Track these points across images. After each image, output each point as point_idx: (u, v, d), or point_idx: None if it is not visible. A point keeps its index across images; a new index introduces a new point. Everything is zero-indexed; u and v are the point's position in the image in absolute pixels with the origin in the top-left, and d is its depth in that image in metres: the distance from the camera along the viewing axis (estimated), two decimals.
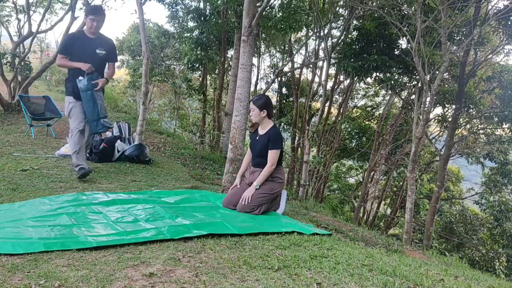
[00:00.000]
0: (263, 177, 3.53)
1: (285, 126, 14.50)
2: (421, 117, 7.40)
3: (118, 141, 5.74)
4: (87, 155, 5.07)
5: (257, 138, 3.68)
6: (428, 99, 7.66)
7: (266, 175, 3.53)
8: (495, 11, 8.12)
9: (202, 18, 10.59)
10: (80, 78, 4.21)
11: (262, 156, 3.59)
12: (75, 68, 4.26)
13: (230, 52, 12.06)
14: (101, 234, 2.61)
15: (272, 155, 3.52)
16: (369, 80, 11.74)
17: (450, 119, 10.57)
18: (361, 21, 10.13)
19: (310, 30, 12.19)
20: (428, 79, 7.83)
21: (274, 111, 14.18)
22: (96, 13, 4.28)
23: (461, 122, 11.51)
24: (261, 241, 2.67)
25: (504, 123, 10.34)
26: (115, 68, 4.81)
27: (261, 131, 3.68)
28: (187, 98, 15.97)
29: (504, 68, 10.10)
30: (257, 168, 3.64)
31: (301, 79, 15.00)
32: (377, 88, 15.13)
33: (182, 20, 12.32)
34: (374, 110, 16.81)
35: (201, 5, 11.48)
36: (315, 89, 14.48)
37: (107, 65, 4.65)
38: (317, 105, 15.10)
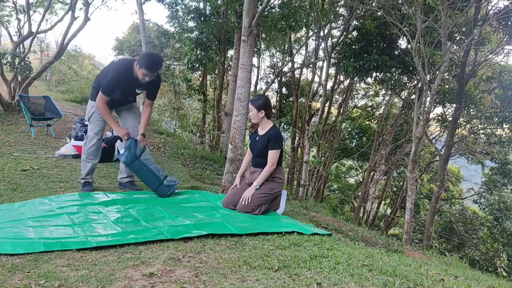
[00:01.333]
0: (263, 177, 3.53)
1: (285, 126, 14.49)
2: (421, 117, 7.40)
3: (118, 141, 5.72)
4: None
5: (257, 138, 3.69)
6: (428, 99, 7.66)
7: (266, 175, 3.53)
8: (495, 11, 8.13)
9: (202, 18, 10.59)
10: (118, 146, 3.69)
11: (262, 156, 3.59)
12: (111, 123, 3.79)
13: (230, 52, 12.06)
14: (101, 234, 2.62)
15: (272, 155, 3.52)
16: (369, 80, 11.74)
17: (450, 119, 10.58)
18: (361, 21, 10.13)
19: (310, 30, 12.19)
20: (428, 79, 7.83)
21: (274, 111, 14.23)
22: (153, 71, 3.62)
23: (461, 122, 11.51)
24: (261, 241, 2.67)
25: (504, 123, 10.34)
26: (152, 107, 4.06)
27: (261, 131, 3.68)
28: (187, 98, 15.97)
29: (504, 68, 10.10)
30: (257, 168, 3.65)
31: (301, 79, 14.99)
32: (377, 88, 15.13)
33: (182, 20, 12.33)
34: (374, 110, 16.80)
35: (201, 5, 11.48)
36: (315, 89, 14.48)
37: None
38: (317, 105, 15.09)
